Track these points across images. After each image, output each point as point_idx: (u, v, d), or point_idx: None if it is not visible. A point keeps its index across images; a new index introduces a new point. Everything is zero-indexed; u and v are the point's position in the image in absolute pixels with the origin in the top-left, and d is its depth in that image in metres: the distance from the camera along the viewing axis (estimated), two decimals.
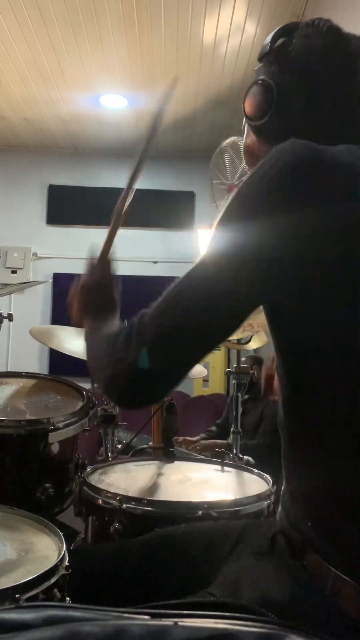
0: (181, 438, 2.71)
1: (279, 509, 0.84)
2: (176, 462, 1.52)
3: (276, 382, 0.81)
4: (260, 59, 0.87)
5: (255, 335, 1.97)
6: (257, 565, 0.79)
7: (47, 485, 1.26)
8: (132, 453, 1.76)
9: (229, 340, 1.94)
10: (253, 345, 2.05)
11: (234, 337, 1.85)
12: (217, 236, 0.76)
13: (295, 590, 0.71)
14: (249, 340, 2.01)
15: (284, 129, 0.79)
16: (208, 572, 0.86)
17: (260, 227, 0.70)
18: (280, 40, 0.85)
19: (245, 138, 0.93)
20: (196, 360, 0.75)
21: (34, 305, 5.05)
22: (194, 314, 0.73)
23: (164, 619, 0.56)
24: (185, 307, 0.73)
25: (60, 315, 4.98)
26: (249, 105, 0.87)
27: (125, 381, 0.74)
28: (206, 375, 2.02)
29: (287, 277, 0.70)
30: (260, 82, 0.84)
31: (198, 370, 1.73)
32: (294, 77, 0.82)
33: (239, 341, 2.01)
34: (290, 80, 0.82)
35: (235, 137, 3.47)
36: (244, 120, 0.91)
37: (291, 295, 0.70)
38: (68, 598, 0.80)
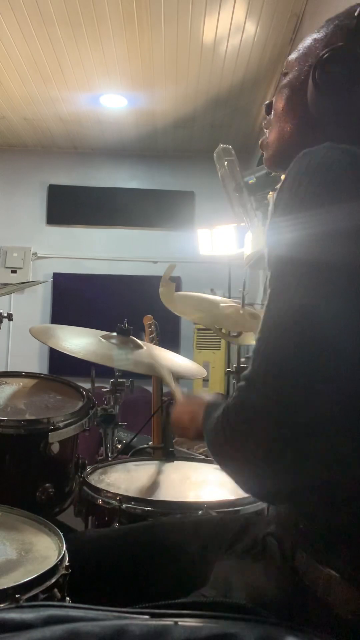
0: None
1: (271, 508, 0.84)
2: (176, 462, 1.52)
3: None
4: (340, 26, 0.79)
5: (246, 334, 1.93)
6: (248, 566, 0.79)
7: (47, 485, 1.26)
8: (132, 453, 1.76)
9: (221, 330, 1.92)
10: (246, 341, 1.99)
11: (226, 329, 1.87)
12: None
13: (285, 591, 0.70)
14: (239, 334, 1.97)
15: (331, 111, 0.77)
16: (204, 570, 0.86)
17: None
18: None
19: (283, 97, 0.85)
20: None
21: (34, 305, 5.05)
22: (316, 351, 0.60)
23: (164, 619, 0.56)
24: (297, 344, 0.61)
25: (60, 315, 4.99)
26: (325, 66, 0.76)
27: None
28: (206, 375, 2.02)
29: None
30: (350, 49, 0.75)
31: (198, 370, 1.72)
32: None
33: (229, 333, 1.98)
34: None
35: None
36: (296, 72, 0.83)
37: None
38: (68, 598, 0.80)
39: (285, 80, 0.86)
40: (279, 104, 0.86)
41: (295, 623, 0.64)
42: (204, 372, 1.94)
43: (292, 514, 0.74)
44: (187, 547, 0.93)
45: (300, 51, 0.86)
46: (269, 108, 0.91)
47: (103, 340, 1.59)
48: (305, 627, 0.64)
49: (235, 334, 1.95)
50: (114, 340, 1.61)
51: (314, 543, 0.69)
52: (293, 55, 0.87)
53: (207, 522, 1.01)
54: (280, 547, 0.76)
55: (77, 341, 1.56)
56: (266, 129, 0.91)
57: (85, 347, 1.52)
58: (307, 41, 0.85)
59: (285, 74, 0.87)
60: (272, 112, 0.89)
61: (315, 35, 0.84)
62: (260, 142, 0.93)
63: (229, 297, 3.64)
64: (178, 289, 1.83)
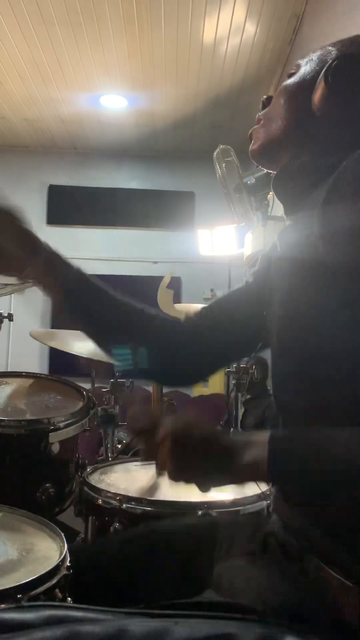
0: None
1: (272, 510, 0.84)
2: None
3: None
4: None
5: None
6: (250, 568, 0.78)
7: (47, 485, 1.26)
8: (132, 453, 1.76)
9: None
10: None
11: None
12: None
13: (295, 595, 0.70)
14: None
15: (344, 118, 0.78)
16: (205, 572, 0.85)
17: None
18: None
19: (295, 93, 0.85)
20: None
21: (34, 305, 5.05)
22: None
23: (164, 619, 0.56)
24: None
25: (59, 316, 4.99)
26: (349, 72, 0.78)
27: None
28: None
29: None
30: None
31: None
32: None
33: None
34: None
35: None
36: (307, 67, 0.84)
37: None
38: (69, 598, 0.80)
39: (291, 80, 0.87)
40: (282, 99, 0.86)
41: (301, 625, 0.64)
42: None
43: (301, 516, 0.73)
44: (184, 550, 0.93)
45: (311, 56, 0.88)
46: (268, 101, 0.92)
47: None
48: (305, 628, 0.64)
49: None
50: None
51: (329, 549, 0.69)
52: (303, 59, 0.88)
53: (203, 523, 1.01)
54: (284, 549, 0.75)
55: (78, 343, 1.56)
56: (260, 120, 0.92)
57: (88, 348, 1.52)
58: (319, 50, 0.87)
59: (292, 74, 0.88)
60: (271, 107, 0.89)
61: (329, 46, 0.87)
62: (250, 132, 0.93)
63: None
64: (178, 289, 1.83)
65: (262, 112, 0.92)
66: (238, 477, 0.70)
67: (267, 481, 0.68)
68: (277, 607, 0.69)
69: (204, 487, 0.71)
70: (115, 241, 5.10)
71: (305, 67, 0.86)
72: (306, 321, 0.73)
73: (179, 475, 0.70)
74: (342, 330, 0.68)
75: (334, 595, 0.66)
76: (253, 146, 0.92)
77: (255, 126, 0.93)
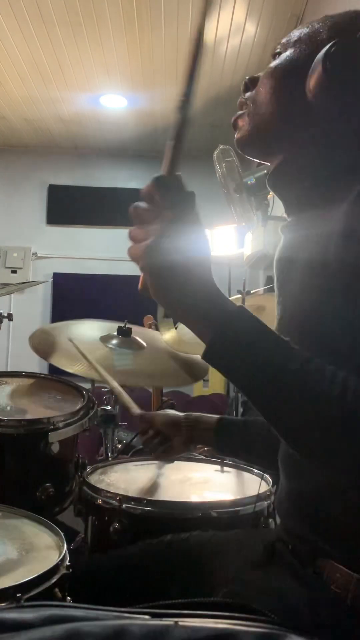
0: None
1: (277, 516, 0.83)
2: (176, 462, 1.52)
3: None
4: None
5: None
6: (262, 577, 0.77)
7: (47, 485, 1.26)
8: (132, 453, 1.76)
9: None
10: None
11: None
12: None
13: (315, 599, 0.68)
14: None
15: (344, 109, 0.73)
16: (200, 584, 0.85)
17: None
18: None
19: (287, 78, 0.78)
20: None
21: (34, 305, 5.05)
22: None
23: (164, 619, 0.56)
24: None
25: (60, 316, 4.99)
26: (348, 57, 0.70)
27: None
28: (206, 375, 2.02)
29: None
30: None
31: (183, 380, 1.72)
32: None
33: None
34: None
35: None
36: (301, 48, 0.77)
37: None
38: (69, 598, 0.80)
39: (280, 62, 0.79)
40: (271, 84, 0.79)
41: (324, 632, 0.63)
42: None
43: (308, 519, 0.72)
44: (189, 554, 0.92)
45: (298, 35, 0.80)
46: (253, 83, 0.84)
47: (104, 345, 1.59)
48: (316, 629, 0.63)
49: None
50: (113, 342, 1.61)
51: (338, 550, 0.68)
52: (290, 38, 0.81)
53: (198, 536, 0.99)
54: (294, 554, 0.74)
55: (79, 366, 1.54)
56: (245, 106, 0.84)
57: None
58: (306, 28, 0.80)
59: (278, 54, 0.81)
60: (258, 91, 0.82)
61: (316, 24, 0.79)
62: (234, 119, 0.84)
63: (229, 297, 3.65)
64: None
65: (246, 96, 0.84)
66: (194, 313, 0.68)
67: (209, 339, 0.65)
68: (301, 616, 0.67)
69: (159, 294, 0.67)
70: (115, 241, 5.10)
71: (294, 48, 0.79)
72: (319, 325, 0.70)
73: (150, 265, 0.66)
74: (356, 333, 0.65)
75: (354, 598, 0.65)
76: (239, 134, 0.84)
77: (240, 112, 0.85)
